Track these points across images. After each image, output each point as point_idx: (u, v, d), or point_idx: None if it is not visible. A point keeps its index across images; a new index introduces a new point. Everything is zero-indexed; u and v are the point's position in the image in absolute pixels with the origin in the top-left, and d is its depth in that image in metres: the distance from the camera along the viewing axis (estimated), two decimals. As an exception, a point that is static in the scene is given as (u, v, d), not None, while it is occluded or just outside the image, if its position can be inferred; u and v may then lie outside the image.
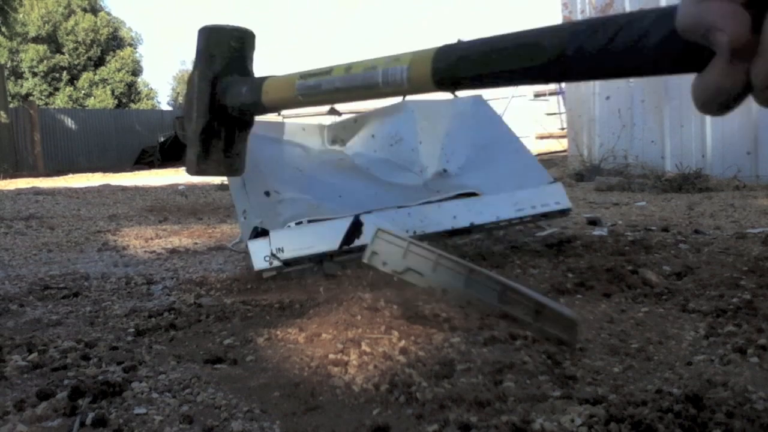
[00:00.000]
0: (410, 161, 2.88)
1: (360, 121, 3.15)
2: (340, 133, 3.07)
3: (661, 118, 6.97)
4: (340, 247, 2.27)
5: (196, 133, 1.43)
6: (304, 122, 3.23)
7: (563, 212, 2.61)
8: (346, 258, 2.33)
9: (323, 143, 3.03)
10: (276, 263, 2.23)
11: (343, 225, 2.41)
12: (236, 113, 1.39)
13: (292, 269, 2.30)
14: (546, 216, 2.60)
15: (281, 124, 3.09)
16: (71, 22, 29.61)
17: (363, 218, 2.38)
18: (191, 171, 1.50)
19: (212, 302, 2.13)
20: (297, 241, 2.30)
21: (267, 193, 2.49)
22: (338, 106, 27.14)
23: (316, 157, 2.92)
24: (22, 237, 4.05)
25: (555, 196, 2.63)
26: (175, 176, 12.73)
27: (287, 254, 2.25)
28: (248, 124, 1.49)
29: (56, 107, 25.63)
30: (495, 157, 2.83)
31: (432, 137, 2.93)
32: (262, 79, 1.28)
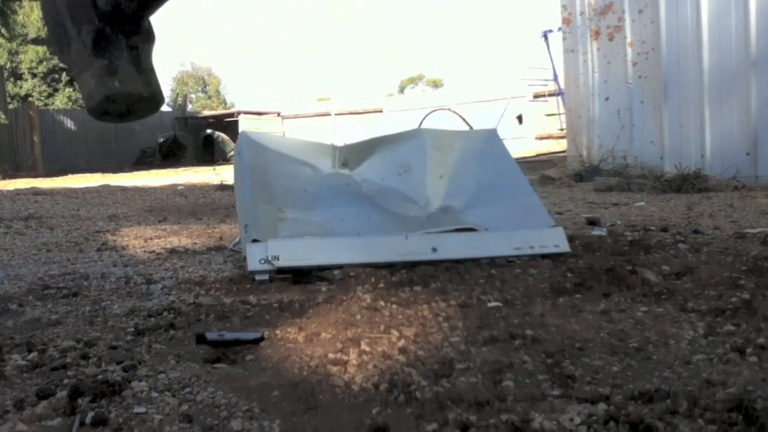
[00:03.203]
0: (416, 193, 2.92)
1: (372, 144, 3.22)
2: (351, 156, 3.14)
3: (660, 119, 6.98)
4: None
5: (88, 48, 1.14)
6: (316, 141, 3.29)
7: (561, 255, 2.59)
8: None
9: (334, 164, 3.10)
10: (270, 267, 2.32)
11: (343, 241, 2.52)
12: (135, 4, 1.13)
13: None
14: (543, 257, 2.58)
15: (295, 141, 3.17)
16: (71, 22, 29.46)
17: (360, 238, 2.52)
18: (97, 97, 1.16)
19: (212, 302, 2.13)
20: (294, 251, 2.39)
21: (270, 201, 2.58)
22: (335, 107, 26.77)
23: (324, 178, 2.99)
24: (21, 237, 4.05)
25: (555, 239, 2.61)
26: (175, 176, 12.72)
27: (282, 262, 2.33)
28: (149, 34, 1.20)
29: (56, 108, 25.62)
30: (500, 198, 2.84)
31: (440, 170, 2.97)
32: None
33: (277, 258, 2.33)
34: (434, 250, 2.51)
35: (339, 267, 2.38)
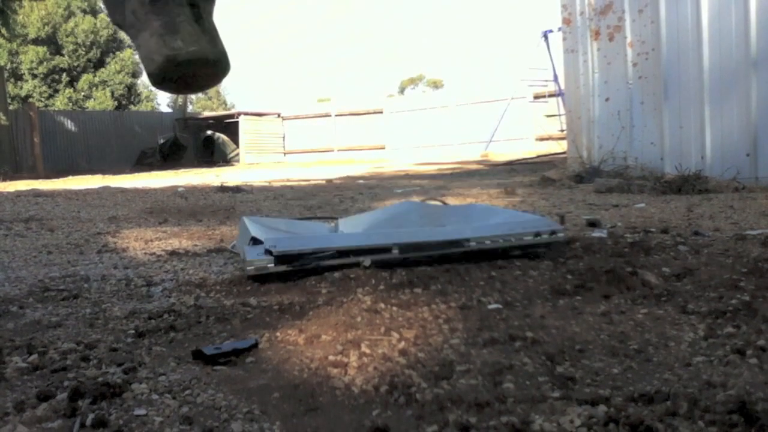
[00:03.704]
0: None
1: (366, 216, 3.53)
2: (348, 228, 3.29)
3: (660, 120, 6.98)
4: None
5: (145, 4, 1.06)
6: (317, 222, 3.81)
7: (554, 233, 2.64)
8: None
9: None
10: (267, 257, 2.35)
11: (341, 233, 2.64)
12: None
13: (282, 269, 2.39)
14: (538, 236, 2.62)
15: (295, 221, 3.46)
16: (71, 23, 29.61)
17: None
18: (158, 59, 1.06)
19: (212, 304, 2.13)
20: (292, 241, 2.47)
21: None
22: (335, 108, 26.87)
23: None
24: (21, 239, 4.05)
25: (548, 225, 2.73)
26: (175, 178, 12.73)
27: (280, 249, 2.37)
28: None
29: (56, 109, 25.64)
30: (488, 221, 3.00)
31: (432, 225, 3.13)
32: None
33: (274, 246, 2.37)
34: (431, 234, 2.64)
35: (338, 253, 2.41)
